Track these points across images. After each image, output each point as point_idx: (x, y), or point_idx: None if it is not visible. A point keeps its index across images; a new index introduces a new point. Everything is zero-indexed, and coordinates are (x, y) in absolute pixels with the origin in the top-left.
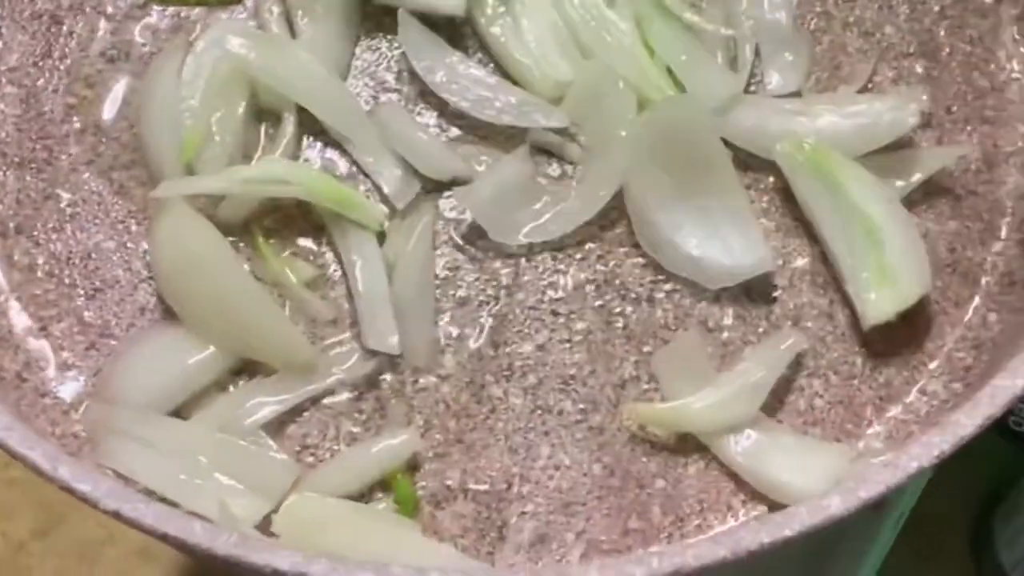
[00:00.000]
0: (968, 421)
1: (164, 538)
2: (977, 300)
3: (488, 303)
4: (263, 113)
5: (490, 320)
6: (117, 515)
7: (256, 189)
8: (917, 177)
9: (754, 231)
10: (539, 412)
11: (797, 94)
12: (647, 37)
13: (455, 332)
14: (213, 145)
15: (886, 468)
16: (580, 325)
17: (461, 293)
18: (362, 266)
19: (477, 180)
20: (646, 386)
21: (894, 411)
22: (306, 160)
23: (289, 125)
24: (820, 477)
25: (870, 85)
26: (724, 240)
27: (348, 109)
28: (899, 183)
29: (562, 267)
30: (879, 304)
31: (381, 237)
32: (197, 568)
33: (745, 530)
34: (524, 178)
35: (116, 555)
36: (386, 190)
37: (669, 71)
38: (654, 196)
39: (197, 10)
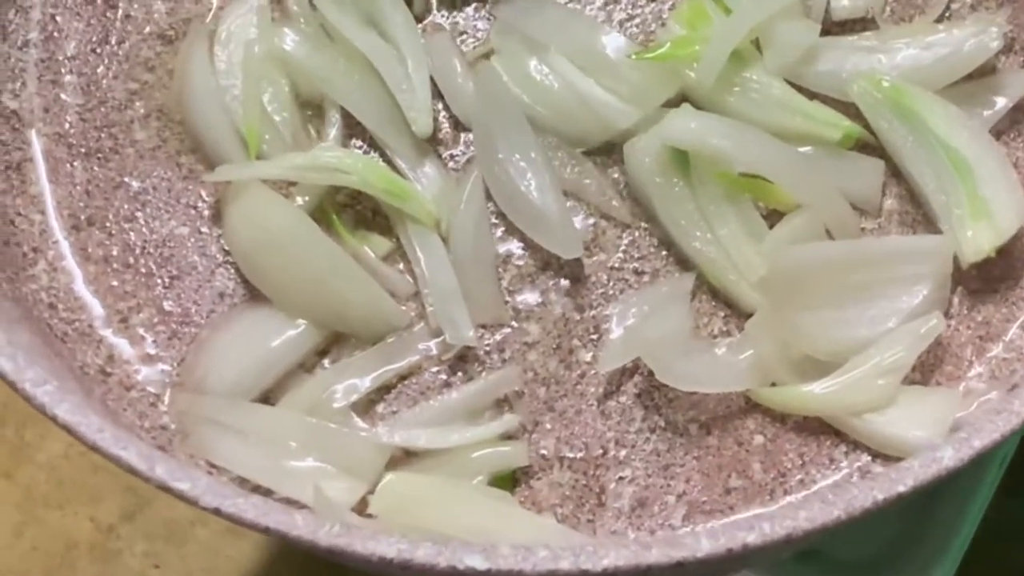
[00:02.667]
0: None
1: (266, 531)
2: None
3: (566, 265)
4: (305, 103)
5: (569, 283)
6: (217, 512)
7: (311, 176)
8: (1003, 104)
9: None
10: (629, 374)
11: (870, 21)
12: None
13: (536, 299)
14: (272, 127)
15: (998, 415)
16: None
17: (538, 258)
18: (427, 261)
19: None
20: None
21: (995, 350)
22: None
23: (335, 115)
24: (930, 426)
25: (947, 13)
26: None
27: (387, 113)
28: (985, 112)
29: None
30: (976, 240)
31: None
32: (288, 545)
33: (858, 488)
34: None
35: (206, 535)
36: (425, 196)
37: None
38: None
39: None
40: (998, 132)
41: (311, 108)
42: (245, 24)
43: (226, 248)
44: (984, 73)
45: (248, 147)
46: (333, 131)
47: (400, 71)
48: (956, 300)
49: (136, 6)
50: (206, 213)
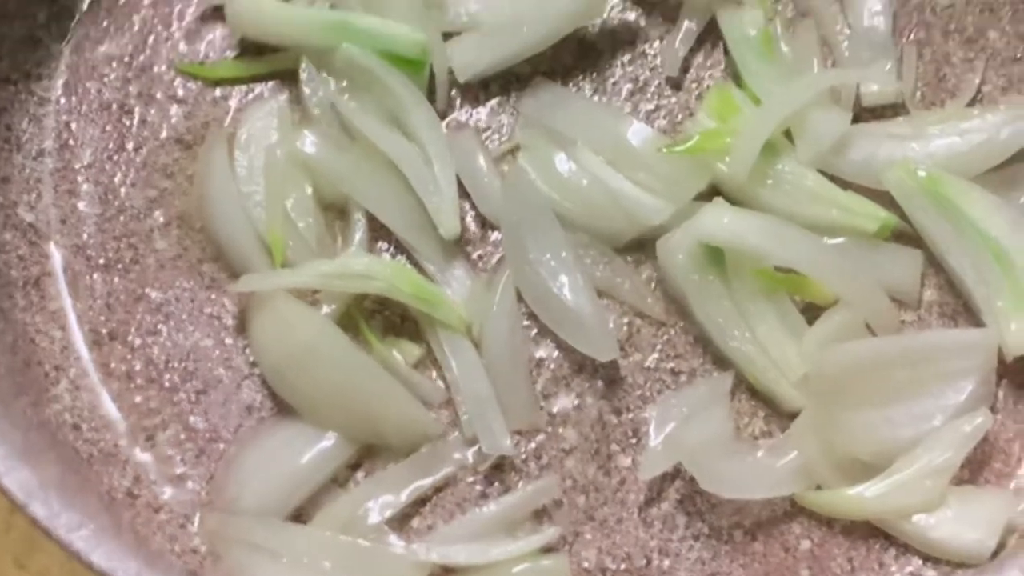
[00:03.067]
0: None
1: None
2: None
3: (601, 367)
4: (328, 206)
5: (605, 386)
6: None
7: (337, 284)
8: None
9: None
10: (670, 479)
11: (900, 106)
12: (747, 81)
13: (572, 403)
14: (296, 233)
15: None
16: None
17: (573, 361)
18: (459, 368)
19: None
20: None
21: None
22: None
23: (360, 218)
24: (983, 529)
25: (979, 96)
26: None
27: (414, 216)
28: (1023, 199)
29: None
30: (1020, 333)
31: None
32: None
33: None
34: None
35: None
36: (455, 300)
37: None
38: None
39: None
40: None
41: (335, 211)
42: (266, 127)
43: (252, 360)
44: (1020, 158)
45: (272, 254)
46: (359, 235)
47: (426, 172)
48: (1002, 394)
49: (153, 111)
50: (230, 323)
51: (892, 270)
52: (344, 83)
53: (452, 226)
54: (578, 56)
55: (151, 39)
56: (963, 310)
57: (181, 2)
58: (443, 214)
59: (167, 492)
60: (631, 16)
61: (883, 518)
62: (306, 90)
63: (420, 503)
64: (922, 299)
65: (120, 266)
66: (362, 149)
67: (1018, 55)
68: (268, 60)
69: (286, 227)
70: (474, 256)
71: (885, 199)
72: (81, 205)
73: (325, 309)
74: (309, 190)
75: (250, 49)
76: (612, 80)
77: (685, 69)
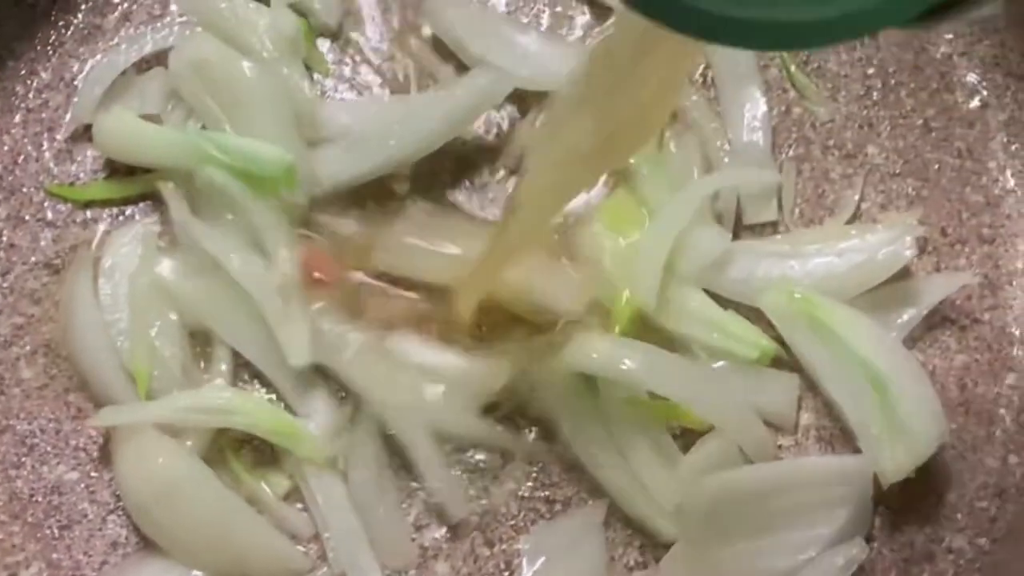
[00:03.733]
0: None
1: None
2: (995, 442)
3: (476, 497)
4: (194, 333)
5: (479, 516)
6: None
7: (197, 419)
8: (917, 311)
9: None
10: None
11: (779, 223)
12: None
13: (444, 535)
14: (161, 363)
15: None
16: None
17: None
18: (325, 503)
19: None
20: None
21: (921, 574)
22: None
23: (223, 349)
24: None
25: (858, 213)
26: None
27: (272, 347)
28: (900, 319)
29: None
30: (895, 460)
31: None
32: None
33: None
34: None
35: None
36: (317, 434)
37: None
38: None
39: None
40: (912, 339)
41: (202, 338)
42: (130, 254)
43: (118, 492)
44: (898, 278)
45: (138, 384)
46: (223, 366)
47: (277, 300)
48: (878, 521)
49: (20, 233)
50: (96, 455)
51: (769, 395)
52: (207, 205)
53: (301, 356)
54: (455, 170)
55: (21, 159)
56: (840, 434)
57: (52, 122)
58: (293, 343)
59: None
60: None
61: None
62: (172, 214)
63: None
64: (799, 423)
65: None
66: (222, 276)
67: (896, 170)
68: (138, 181)
69: (151, 356)
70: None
71: (765, 318)
72: None
73: (190, 442)
74: (174, 317)
75: (121, 170)
76: (490, 196)
77: None
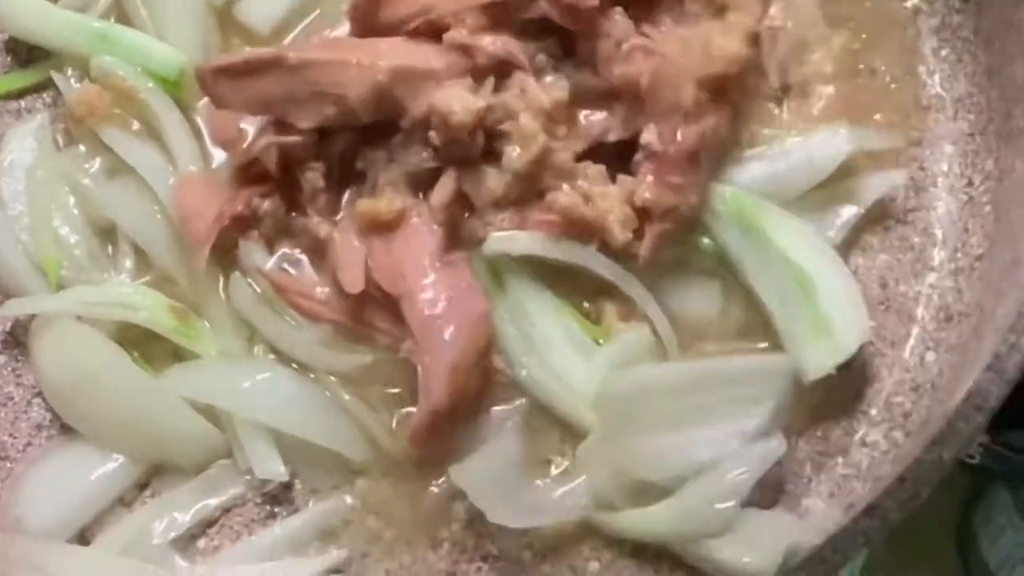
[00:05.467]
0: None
1: None
2: (913, 339)
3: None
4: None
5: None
6: None
7: (100, 312)
8: (857, 211)
9: None
10: (461, 496)
11: None
12: None
13: None
14: (70, 254)
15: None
16: None
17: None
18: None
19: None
20: None
21: (835, 466)
22: None
23: (127, 245)
24: (764, 553)
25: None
26: None
27: (173, 242)
28: (839, 220)
29: None
30: (817, 358)
31: None
32: None
33: None
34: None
35: None
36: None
37: None
38: None
39: None
40: (849, 245)
41: (106, 235)
42: (27, 148)
43: None
44: (837, 179)
45: (48, 274)
46: (127, 262)
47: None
48: (797, 417)
49: None
50: (22, 340)
51: (693, 296)
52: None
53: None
54: None
55: None
56: (762, 329)
57: None
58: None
59: None
60: None
61: (672, 540)
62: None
63: (207, 524)
64: (725, 324)
65: None
66: (123, 169)
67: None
68: (36, 70)
69: (56, 246)
70: None
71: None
72: None
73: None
74: (75, 210)
75: (19, 62)
76: None
77: None
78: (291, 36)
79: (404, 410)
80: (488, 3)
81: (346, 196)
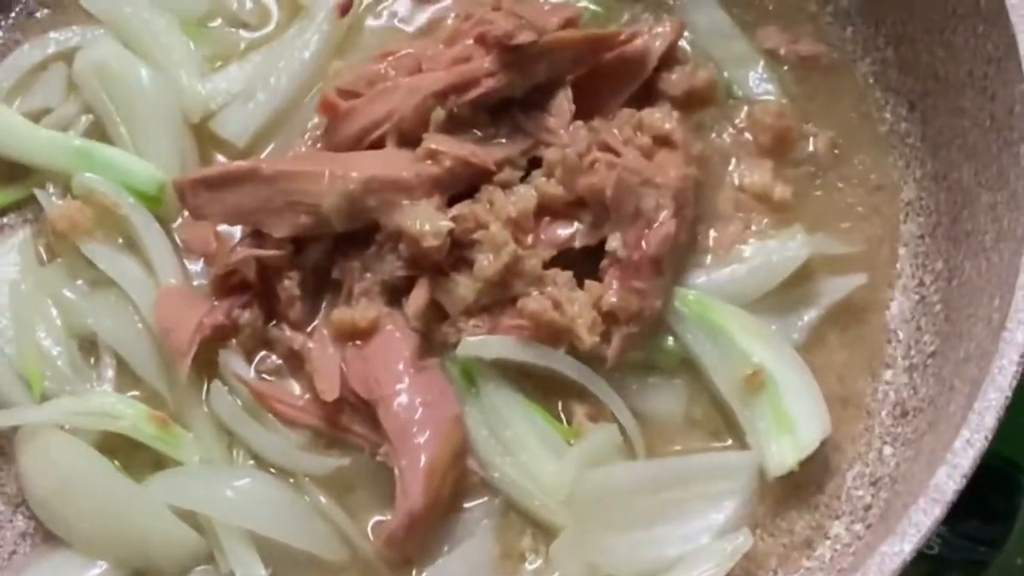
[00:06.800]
0: None
1: None
2: (871, 434)
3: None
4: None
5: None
6: None
7: (83, 421)
8: (818, 312)
9: None
10: None
11: None
12: None
13: None
14: (52, 365)
15: None
16: None
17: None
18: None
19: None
20: None
21: (799, 558)
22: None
23: (108, 356)
24: None
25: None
26: None
27: (154, 353)
28: (801, 321)
29: None
30: (780, 454)
31: None
32: None
33: None
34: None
35: None
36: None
37: None
38: None
39: None
40: (809, 344)
41: (88, 346)
42: (10, 263)
43: None
44: (797, 282)
45: (32, 387)
46: (109, 372)
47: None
48: (761, 511)
49: None
50: (9, 451)
51: (659, 396)
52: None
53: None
54: None
55: None
56: (726, 428)
57: None
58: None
59: None
60: None
61: None
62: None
63: None
64: (690, 420)
65: None
66: (104, 282)
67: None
68: (17, 187)
69: (39, 359)
70: None
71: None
72: None
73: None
74: (58, 321)
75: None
76: None
77: None
78: (267, 151)
79: (379, 515)
80: (439, 91)
81: (324, 304)
